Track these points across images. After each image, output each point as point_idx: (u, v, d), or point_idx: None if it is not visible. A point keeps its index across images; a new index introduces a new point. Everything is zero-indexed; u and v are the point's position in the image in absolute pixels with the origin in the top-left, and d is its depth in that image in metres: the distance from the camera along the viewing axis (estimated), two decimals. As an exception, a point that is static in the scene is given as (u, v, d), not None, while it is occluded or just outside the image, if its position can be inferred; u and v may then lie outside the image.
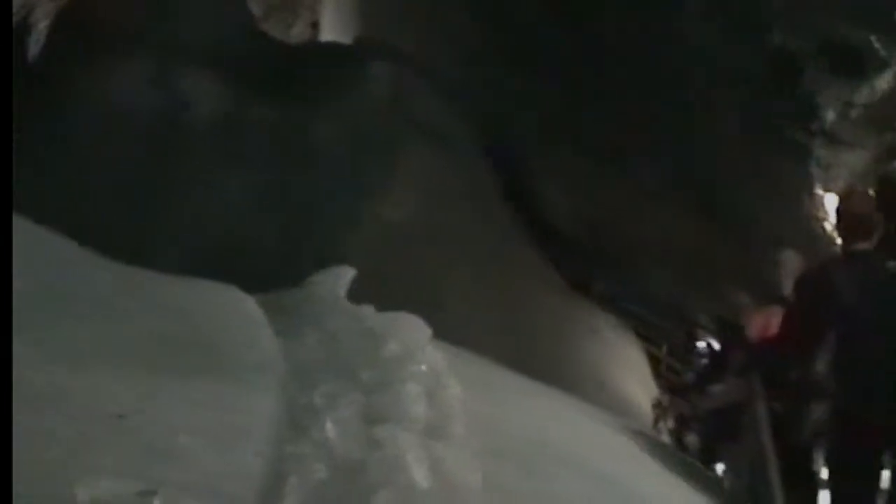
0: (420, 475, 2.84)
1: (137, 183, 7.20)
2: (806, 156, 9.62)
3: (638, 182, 10.03)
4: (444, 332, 5.06)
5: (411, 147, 8.81)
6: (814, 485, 4.37)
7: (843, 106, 9.57)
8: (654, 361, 11.63)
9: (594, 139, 10.02)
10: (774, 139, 9.26)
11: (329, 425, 3.06)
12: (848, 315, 3.36)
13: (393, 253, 7.71)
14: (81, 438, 2.62)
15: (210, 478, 2.61)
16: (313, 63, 9.50)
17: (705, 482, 6.06)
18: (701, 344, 10.90)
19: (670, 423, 8.78)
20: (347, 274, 5.78)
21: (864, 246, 3.95)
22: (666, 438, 8.62)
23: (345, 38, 11.81)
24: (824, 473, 4.44)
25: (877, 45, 8.87)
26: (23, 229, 3.70)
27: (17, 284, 2.55)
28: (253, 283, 5.76)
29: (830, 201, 8.43)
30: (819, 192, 9.79)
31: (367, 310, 4.74)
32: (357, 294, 5.56)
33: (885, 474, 3.60)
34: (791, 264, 4.33)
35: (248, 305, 5.11)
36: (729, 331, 8.91)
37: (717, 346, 9.73)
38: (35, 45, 7.09)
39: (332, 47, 11.40)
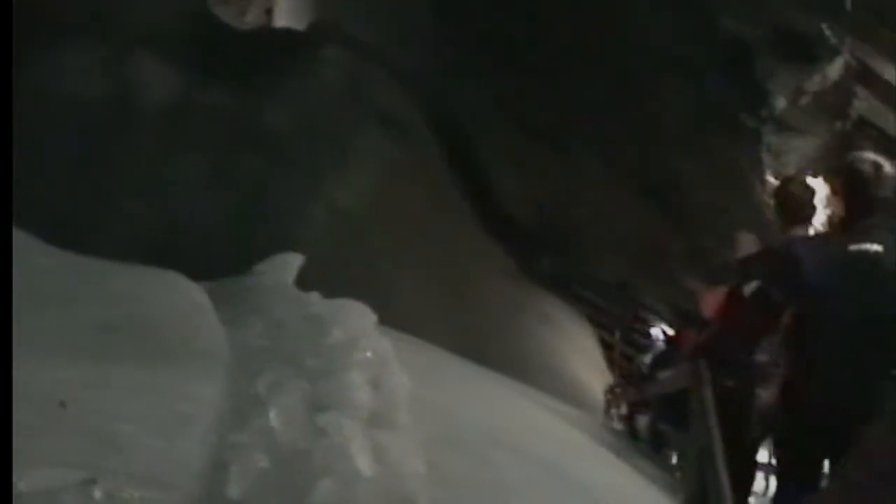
0: (364, 463, 2.81)
1: (84, 170, 7.07)
2: (757, 142, 9.75)
3: (588, 167, 10.10)
4: (395, 320, 5.05)
5: (365, 133, 8.76)
6: (753, 465, 4.44)
7: (793, 93, 9.71)
8: (608, 349, 11.67)
9: (546, 125, 10.07)
10: (725, 126, 9.37)
11: (272, 414, 3.02)
12: (799, 294, 3.40)
13: (344, 239, 7.67)
14: (22, 427, 2.58)
15: (152, 466, 2.58)
16: (267, 48, 9.39)
17: (655, 468, 6.13)
18: (654, 330, 10.95)
19: (623, 410, 8.83)
20: (295, 261, 5.75)
21: (801, 231, 4.03)
22: (618, 425, 8.68)
23: (299, 25, 11.72)
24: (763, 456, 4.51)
25: (828, 32, 9.01)
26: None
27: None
28: (202, 269, 5.71)
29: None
30: (770, 178, 9.94)
31: (314, 297, 4.70)
32: (307, 280, 5.53)
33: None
34: (747, 247, 4.35)
35: (194, 294, 5.05)
36: (682, 316, 8.98)
37: (670, 332, 9.79)
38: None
39: (286, 33, 11.30)
